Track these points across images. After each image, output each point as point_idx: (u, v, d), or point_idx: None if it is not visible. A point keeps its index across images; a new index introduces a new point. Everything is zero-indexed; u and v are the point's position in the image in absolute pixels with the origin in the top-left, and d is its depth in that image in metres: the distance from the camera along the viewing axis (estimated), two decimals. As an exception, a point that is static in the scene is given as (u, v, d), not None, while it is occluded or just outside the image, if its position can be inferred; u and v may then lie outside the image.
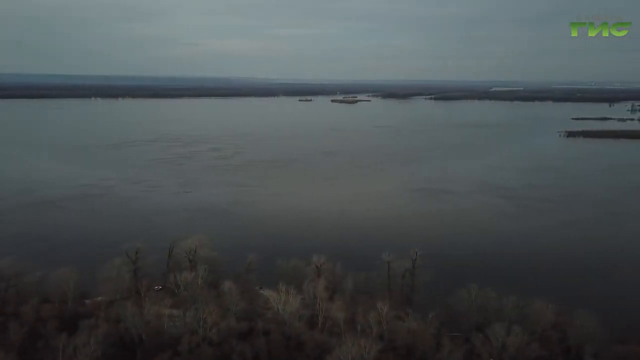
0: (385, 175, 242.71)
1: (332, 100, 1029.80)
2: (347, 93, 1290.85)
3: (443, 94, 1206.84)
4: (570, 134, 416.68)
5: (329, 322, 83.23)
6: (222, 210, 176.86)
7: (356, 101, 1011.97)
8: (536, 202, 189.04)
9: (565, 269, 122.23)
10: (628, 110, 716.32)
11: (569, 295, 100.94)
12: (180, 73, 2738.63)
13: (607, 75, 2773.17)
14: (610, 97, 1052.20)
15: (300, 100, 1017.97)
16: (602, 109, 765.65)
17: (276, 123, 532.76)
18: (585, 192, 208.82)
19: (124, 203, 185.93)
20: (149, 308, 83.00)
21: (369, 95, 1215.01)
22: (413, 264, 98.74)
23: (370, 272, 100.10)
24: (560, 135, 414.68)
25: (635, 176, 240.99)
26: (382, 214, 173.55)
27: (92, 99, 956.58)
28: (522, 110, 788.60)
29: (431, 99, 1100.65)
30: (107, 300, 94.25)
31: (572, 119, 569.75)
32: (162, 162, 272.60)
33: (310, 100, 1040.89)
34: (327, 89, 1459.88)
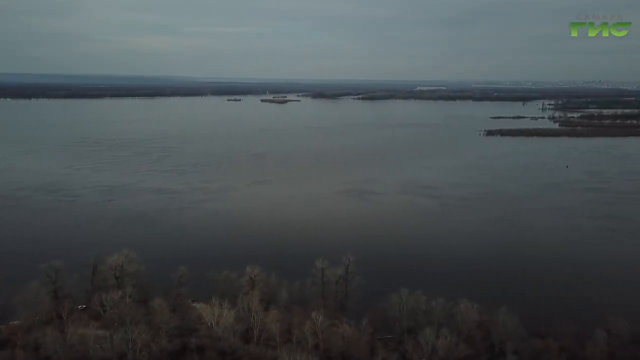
0: (315, 178, 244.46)
1: (262, 100, 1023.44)
2: (277, 92, 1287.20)
3: (371, 93, 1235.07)
4: (489, 133, 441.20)
5: (264, 334, 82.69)
6: (148, 219, 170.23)
7: (286, 101, 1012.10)
8: (459, 201, 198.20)
9: (485, 266, 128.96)
10: (539, 109, 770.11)
11: (490, 292, 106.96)
12: (97, 72, 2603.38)
13: (520, 75, 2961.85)
14: (523, 96, 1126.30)
15: (228, 100, 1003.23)
16: (517, 107, 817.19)
17: (204, 124, 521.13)
18: (503, 189, 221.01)
19: (38, 216, 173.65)
20: (72, 331, 78.38)
21: (298, 95, 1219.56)
22: (346, 270, 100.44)
23: (304, 280, 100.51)
24: (480, 134, 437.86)
25: (545, 173, 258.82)
26: (315, 217, 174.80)
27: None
28: (445, 109, 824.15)
29: (359, 98, 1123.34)
30: (25, 324, 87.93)
31: (491, 117, 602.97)
32: (82, 169, 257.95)
33: (239, 100, 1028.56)
34: (255, 89, 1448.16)
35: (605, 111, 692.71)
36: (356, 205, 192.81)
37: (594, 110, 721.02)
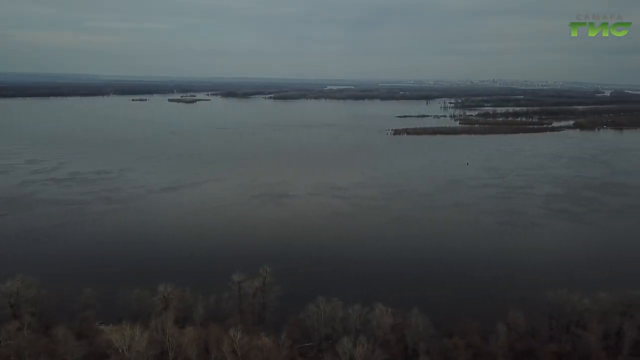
0: (228, 182, 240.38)
1: (170, 100, 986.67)
2: (185, 92, 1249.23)
3: (282, 92, 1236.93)
4: (396, 132, 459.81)
5: (180, 357, 79.87)
6: (46, 235, 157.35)
7: (195, 100, 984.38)
8: (368, 201, 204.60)
9: (397, 267, 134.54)
10: (441, 108, 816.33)
11: (402, 294, 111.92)
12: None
13: (423, 75, 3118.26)
14: (426, 95, 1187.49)
15: (133, 100, 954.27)
16: (421, 106, 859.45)
17: (107, 126, 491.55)
18: (409, 188, 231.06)
19: None
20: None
21: (208, 94, 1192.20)
22: (263, 281, 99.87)
23: (221, 294, 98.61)
24: (387, 134, 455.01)
25: (448, 170, 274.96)
26: (229, 225, 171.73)
27: None
28: (354, 108, 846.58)
29: (271, 98, 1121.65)
30: None
31: (397, 116, 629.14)
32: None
33: (145, 99, 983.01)
34: (163, 87, 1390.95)
35: (498, 109, 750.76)
36: (271, 210, 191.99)
37: (489, 109, 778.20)
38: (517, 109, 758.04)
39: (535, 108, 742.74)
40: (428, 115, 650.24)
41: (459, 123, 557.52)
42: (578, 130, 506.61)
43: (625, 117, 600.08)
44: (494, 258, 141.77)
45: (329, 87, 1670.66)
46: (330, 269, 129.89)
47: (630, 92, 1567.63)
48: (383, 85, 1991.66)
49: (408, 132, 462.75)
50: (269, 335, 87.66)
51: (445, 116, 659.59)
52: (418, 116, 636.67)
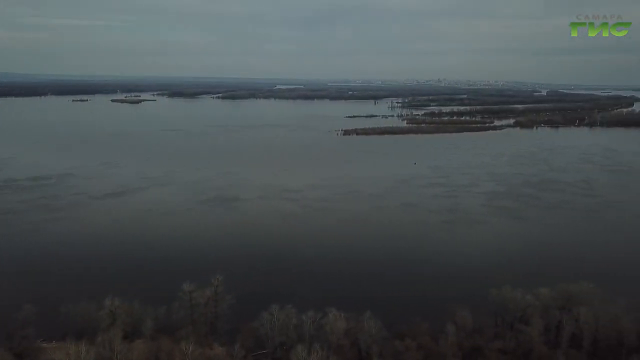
0: (176, 186, 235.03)
1: (113, 100, 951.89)
2: (130, 92, 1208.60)
3: (231, 92, 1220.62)
4: (346, 132, 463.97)
5: (130, 374, 77.43)
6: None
7: (140, 101, 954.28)
8: (319, 202, 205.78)
9: (349, 269, 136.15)
10: (389, 108, 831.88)
11: (355, 297, 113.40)
12: None
13: (371, 74, 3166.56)
14: (374, 95, 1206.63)
15: (74, 101, 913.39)
16: (369, 106, 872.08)
17: (45, 129, 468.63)
18: (358, 188, 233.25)
19: None
20: None
21: (154, 94, 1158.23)
22: (215, 290, 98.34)
23: (171, 305, 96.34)
24: (337, 134, 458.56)
25: (396, 170, 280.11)
26: (177, 232, 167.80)
27: None
28: (304, 108, 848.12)
29: (219, 97, 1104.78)
30: None
31: (346, 117, 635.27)
32: None
33: (87, 100, 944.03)
34: (105, 88, 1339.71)
35: (444, 109, 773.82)
36: (220, 215, 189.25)
37: (435, 108, 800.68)
38: (462, 108, 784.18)
39: (478, 107, 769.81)
40: (376, 115, 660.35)
41: (407, 123, 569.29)
42: (518, 128, 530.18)
43: (560, 116, 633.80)
44: (442, 257, 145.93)
45: (278, 87, 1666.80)
46: (283, 274, 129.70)
47: (564, 91, 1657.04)
48: (332, 85, 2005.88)
49: (357, 132, 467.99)
50: (222, 345, 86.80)
51: (393, 116, 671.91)
52: (367, 116, 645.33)
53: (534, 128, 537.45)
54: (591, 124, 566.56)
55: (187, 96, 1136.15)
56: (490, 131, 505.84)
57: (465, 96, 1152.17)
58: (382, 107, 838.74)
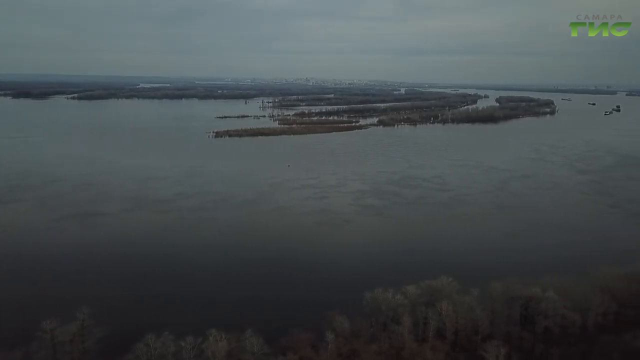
0: (22, 203, 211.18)
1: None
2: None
3: (88, 92, 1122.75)
4: (218, 134, 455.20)
5: None
6: None
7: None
8: (191, 212, 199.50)
9: (226, 284, 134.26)
10: (260, 107, 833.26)
11: (235, 315, 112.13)
12: None
13: (240, 72, 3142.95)
14: (245, 94, 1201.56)
15: None
16: (240, 106, 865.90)
17: None
18: (232, 194, 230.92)
19: None
20: None
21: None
22: (82, 324, 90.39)
23: (28, 346, 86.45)
24: (209, 136, 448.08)
25: (269, 173, 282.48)
26: (21, 258, 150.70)
27: None
28: (172, 109, 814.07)
29: (75, 98, 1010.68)
30: None
31: (217, 117, 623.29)
32: None
33: None
34: None
35: (313, 108, 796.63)
36: (78, 234, 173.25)
37: (304, 108, 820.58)
38: (329, 107, 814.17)
39: (344, 107, 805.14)
40: (248, 116, 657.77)
41: (278, 123, 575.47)
42: (381, 127, 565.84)
43: (417, 114, 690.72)
44: (316, 260, 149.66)
45: (142, 86, 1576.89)
46: (158, 298, 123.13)
47: (420, 89, 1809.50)
48: (200, 83, 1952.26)
49: (230, 133, 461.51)
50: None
51: (264, 116, 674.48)
52: (238, 117, 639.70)
53: (395, 126, 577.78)
54: (444, 121, 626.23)
55: (36, 96, 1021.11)
56: (357, 130, 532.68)
57: (332, 95, 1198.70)
58: (253, 107, 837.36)
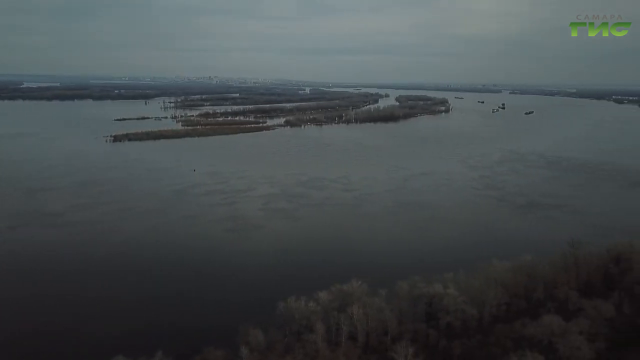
0: None
1: None
2: None
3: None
4: (117, 138, 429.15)
5: None
6: None
7: None
8: (87, 225, 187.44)
9: (129, 302, 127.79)
10: (162, 108, 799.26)
11: (140, 334, 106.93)
12: None
13: (139, 71, 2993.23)
14: (145, 94, 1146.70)
15: None
16: (140, 107, 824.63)
17: None
18: (133, 205, 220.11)
19: None
20: None
21: None
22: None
23: None
24: (107, 140, 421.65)
25: (172, 179, 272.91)
26: None
27: None
28: (62, 110, 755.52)
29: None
30: None
31: (115, 120, 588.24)
32: None
33: None
34: None
35: (218, 109, 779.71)
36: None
37: (209, 108, 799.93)
38: (235, 107, 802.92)
39: (250, 107, 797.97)
40: (149, 117, 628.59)
41: (182, 125, 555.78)
42: (289, 127, 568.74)
43: (322, 114, 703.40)
44: (226, 271, 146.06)
45: (27, 85, 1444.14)
46: (57, 327, 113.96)
47: (324, 88, 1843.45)
48: (95, 82, 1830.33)
49: (130, 137, 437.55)
50: None
51: (166, 117, 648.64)
52: (138, 119, 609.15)
53: (302, 127, 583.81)
54: (348, 121, 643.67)
55: None
56: (264, 131, 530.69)
57: (237, 95, 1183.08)
58: (154, 108, 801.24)
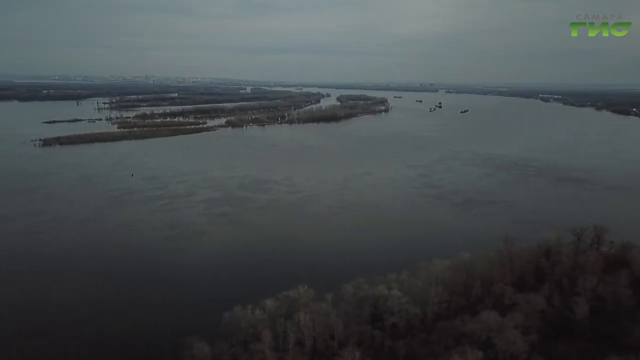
0: None
1: None
2: None
3: None
4: (47, 142, 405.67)
5: None
6: None
7: None
8: (8, 238, 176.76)
9: (79, 316, 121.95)
10: (95, 109, 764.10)
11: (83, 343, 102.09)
12: None
13: (70, 69, 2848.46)
14: (76, 94, 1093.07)
15: None
16: (72, 108, 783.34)
17: None
18: (61, 214, 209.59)
19: None
20: None
21: None
22: None
23: None
24: (36, 145, 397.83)
25: (109, 185, 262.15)
26: None
27: None
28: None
29: None
30: None
31: (44, 122, 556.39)
32: None
33: None
34: None
35: (155, 109, 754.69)
36: None
37: (146, 109, 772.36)
38: (174, 108, 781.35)
39: (189, 107, 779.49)
40: (82, 119, 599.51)
41: (118, 127, 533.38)
42: (230, 128, 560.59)
43: (264, 114, 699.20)
44: (167, 283, 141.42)
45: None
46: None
47: (265, 88, 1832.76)
48: (21, 82, 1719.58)
49: (61, 141, 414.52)
50: None
51: (101, 119, 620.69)
52: (70, 121, 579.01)
53: (244, 127, 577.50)
54: (290, 121, 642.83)
55: None
56: (205, 132, 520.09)
57: (176, 95, 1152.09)
58: (87, 109, 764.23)
